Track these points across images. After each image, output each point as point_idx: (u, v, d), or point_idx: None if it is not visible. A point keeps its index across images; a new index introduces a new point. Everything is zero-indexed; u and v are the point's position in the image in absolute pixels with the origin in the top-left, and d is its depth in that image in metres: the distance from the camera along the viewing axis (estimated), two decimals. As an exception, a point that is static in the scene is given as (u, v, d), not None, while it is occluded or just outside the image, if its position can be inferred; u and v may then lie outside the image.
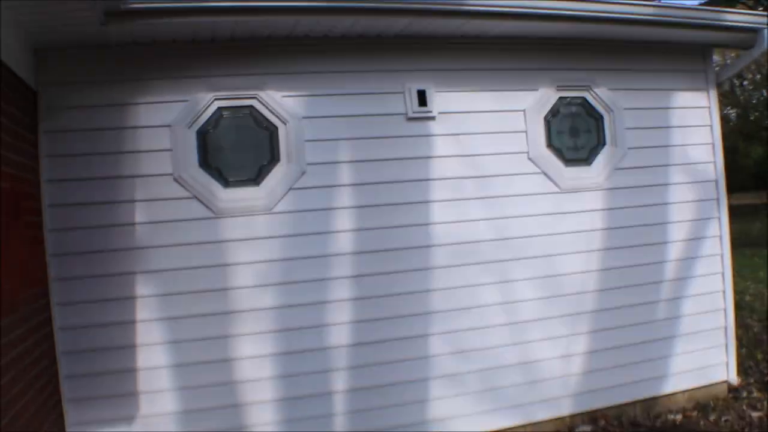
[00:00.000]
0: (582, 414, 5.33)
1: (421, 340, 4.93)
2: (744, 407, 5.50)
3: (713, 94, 5.84)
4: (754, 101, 28.38)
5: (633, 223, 5.49)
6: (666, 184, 5.63)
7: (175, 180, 4.44)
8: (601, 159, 5.42)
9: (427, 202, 4.94)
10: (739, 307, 6.21)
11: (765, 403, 5.53)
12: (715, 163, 5.81)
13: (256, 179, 4.62)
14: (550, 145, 5.28)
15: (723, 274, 5.82)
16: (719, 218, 5.81)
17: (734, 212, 7.65)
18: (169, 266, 4.43)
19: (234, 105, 4.59)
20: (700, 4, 16.48)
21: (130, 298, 4.37)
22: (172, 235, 4.44)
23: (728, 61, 9.80)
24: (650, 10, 5.08)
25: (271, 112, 4.64)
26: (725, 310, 5.81)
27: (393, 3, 4.42)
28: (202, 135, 4.52)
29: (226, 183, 4.55)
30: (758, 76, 25.54)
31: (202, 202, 4.48)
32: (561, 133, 5.34)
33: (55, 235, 4.23)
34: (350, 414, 4.77)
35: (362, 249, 4.79)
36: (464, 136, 5.04)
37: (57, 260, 4.23)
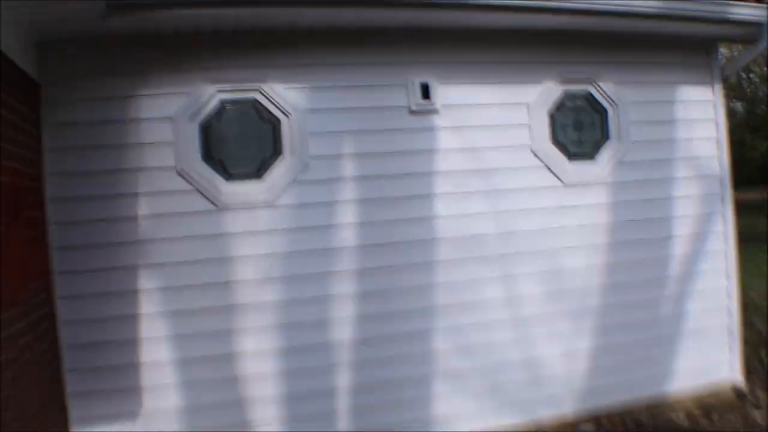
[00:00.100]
0: (585, 412, 5.31)
1: (423, 335, 4.92)
2: (748, 407, 5.47)
3: (718, 88, 5.79)
4: (760, 94, 28.24)
5: (637, 217, 5.47)
6: (670, 179, 5.60)
7: (178, 173, 4.44)
8: (605, 153, 5.40)
9: (430, 195, 4.93)
10: (744, 304, 6.16)
11: (769, 402, 5.50)
12: (719, 157, 5.76)
13: (258, 172, 4.61)
14: (553, 138, 5.25)
15: (727, 271, 5.78)
16: (723, 213, 5.77)
17: (741, 207, 7.59)
18: (171, 260, 4.43)
19: (237, 98, 4.57)
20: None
21: (133, 292, 4.38)
22: (174, 229, 4.44)
23: (735, 54, 9.74)
24: (655, 4, 5.04)
25: (274, 104, 4.63)
26: (729, 307, 5.78)
27: (396, -5, 4.40)
28: (205, 128, 4.51)
29: (228, 176, 4.54)
30: (765, 69, 25.41)
31: (204, 196, 4.48)
32: (565, 126, 5.31)
33: (58, 229, 4.23)
34: (353, 410, 4.77)
35: (365, 243, 4.79)
36: (467, 129, 5.02)
37: (60, 254, 4.24)
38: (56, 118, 4.24)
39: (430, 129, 4.94)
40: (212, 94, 4.51)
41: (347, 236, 4.76)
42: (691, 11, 5.14)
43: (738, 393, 5.75)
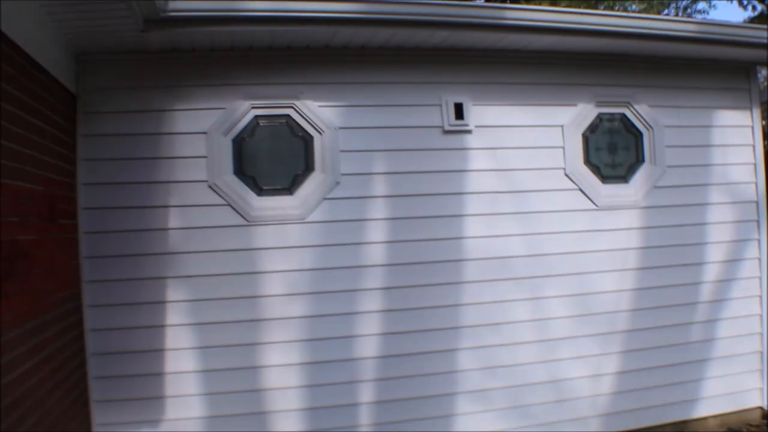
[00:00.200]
0: (611, 435, 5.24)
1: (449, 354, 4.88)
2: (778, 434, 5.37)
3: (756, 113, 5.71)
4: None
5: (670, 242, 5.38)
6: (705, 204, 5.52)
7: (210, 187, 4.45)
8: (639, 177, 5.33)
9: (461, 215, 4.90)
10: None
11: (800, 431, 5.39)
12: (756, 183, 5.67)
13: (290, 188, 4.61)
14: (587, 161, 5.20)
15: (761, 297, 5.68)
16: (759, 240, 5.67)
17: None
18: (200, 272, 4.45)
19: (271, 114, 4.59)
20: (745, 21, 16.20)
21: (161, 303, 4.40)
22: (204, 242, 4.45)
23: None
24: (692, 27, 4.99)
25: (308, 121, 4.63)
26: (762, 334, 5.67)
27: (432, 16, 4.37)
28: (238, 143, 4.53)
29: (260, 191, 4.55)
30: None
31: (235, 210, 4.49)
32: (599, 149, 5.25)
33: (89, 238, 4.27)
34: (375, 426, 4.74)
35: (394, 261, 4.76)
36: (501, 150, 4.99)
37: (90, 263, 4.27)
38: (91, 130, 4.29)
39: (463, 149, 4.91)
40: (246, 109, 4.53)
41: (376, 254, 4.74)
42: (731, 35, 5.08)
43: (768, 420, 5.65)
